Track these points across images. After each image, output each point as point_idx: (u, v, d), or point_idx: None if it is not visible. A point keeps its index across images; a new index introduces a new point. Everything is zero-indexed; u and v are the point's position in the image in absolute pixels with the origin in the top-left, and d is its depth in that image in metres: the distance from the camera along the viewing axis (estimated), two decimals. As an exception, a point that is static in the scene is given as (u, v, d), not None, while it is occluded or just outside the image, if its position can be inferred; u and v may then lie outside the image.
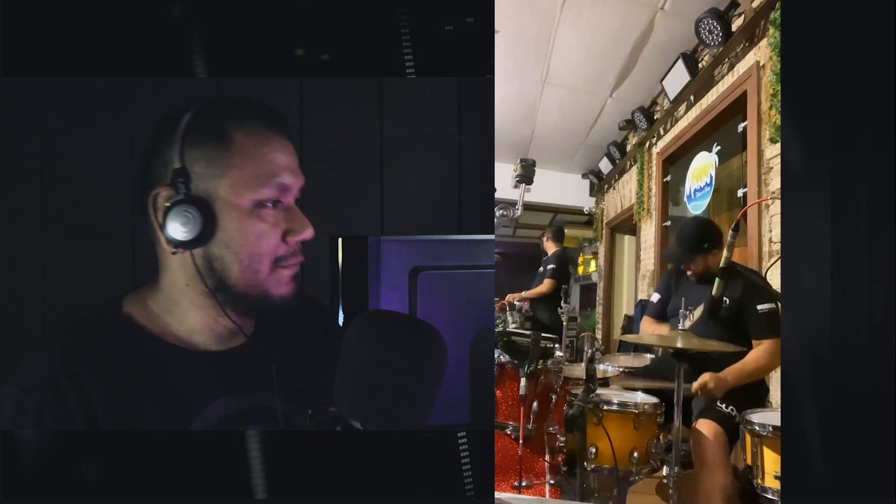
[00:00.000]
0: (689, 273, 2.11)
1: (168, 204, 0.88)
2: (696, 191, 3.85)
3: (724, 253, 1.61)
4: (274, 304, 0.93)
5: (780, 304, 1.80)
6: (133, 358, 0.92)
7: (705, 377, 1.83)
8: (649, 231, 4.66)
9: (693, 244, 2.06)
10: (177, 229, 0.87)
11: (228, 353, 0.99)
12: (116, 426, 0.90)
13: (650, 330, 2.24)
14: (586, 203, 6.88)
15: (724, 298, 1.95)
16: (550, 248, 4.91)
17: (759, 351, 1.90)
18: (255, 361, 0.99)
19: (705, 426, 1.80)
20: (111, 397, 0.89)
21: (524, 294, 4.64)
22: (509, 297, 4.50)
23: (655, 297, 2.31)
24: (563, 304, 3.15)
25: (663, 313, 2.24)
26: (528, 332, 1.94)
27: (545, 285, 4.58)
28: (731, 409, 1.83)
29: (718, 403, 1.85)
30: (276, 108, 0.97)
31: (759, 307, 1.90)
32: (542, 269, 4.90)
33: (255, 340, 1.00)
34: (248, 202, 0.90)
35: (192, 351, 0.96)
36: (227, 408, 0.97)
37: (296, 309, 0.96)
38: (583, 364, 1.75)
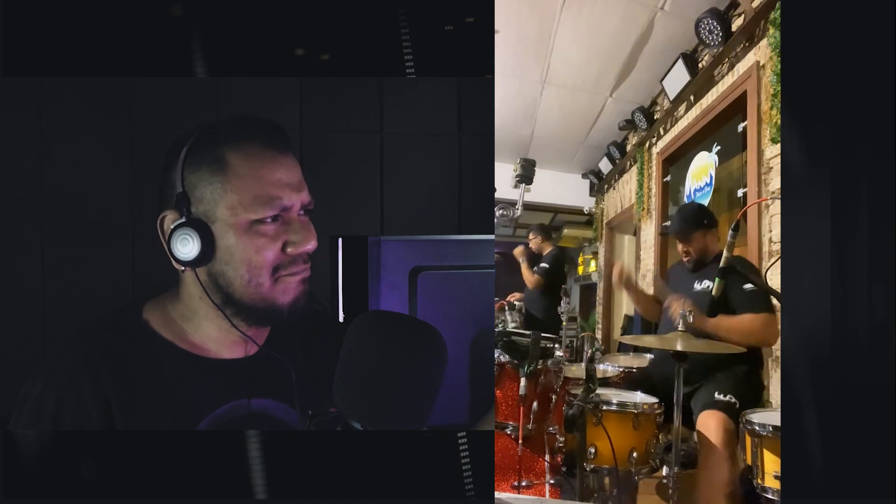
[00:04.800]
0: (685, 258, 2.12)
1: (172, 227, 0.92)
2: (696, 191, 3.85)
3: (725, 253, 1.61)
4: (281, 311, 0.96)
5: (759, 285, 1.79)
6: (146, 362, 0.96)
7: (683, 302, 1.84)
8: (649, 231, 4.66)
9: (696, 219, 2.10)
10: (180, 250, 0.92)
11: (240, 361, 1.02)
12: (128, 427, 0.93)
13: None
14: (586, 203, 6.88)
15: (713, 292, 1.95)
16: (546, 248, 4.86)
17: (750, 317, 1.86)
18: (270, 369, 1.02)
19: (711, 417, 1.78)
20: (125, 399, 0.92)
21: (527, 282, 4.64)
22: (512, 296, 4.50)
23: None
24: (563, 303, 3.14)
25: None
26: (528, 332, 1.94)
27: (531, 282, 4.56)
28: (730, 397, 1.83)
29: (717, 394, 1.84)
30: (275, 123, 0.98)
31: (744, 287, 1.88)
32: (535, 267, 4.86)
33: (267, 349, 1.02)
34: (245, 221, 0.93)
35: (204, 358, 0.99)
36: (235, 412, 0.98)
37: (305, 313, 0.98)
38: (583, 364, 1.75)
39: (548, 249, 4.83)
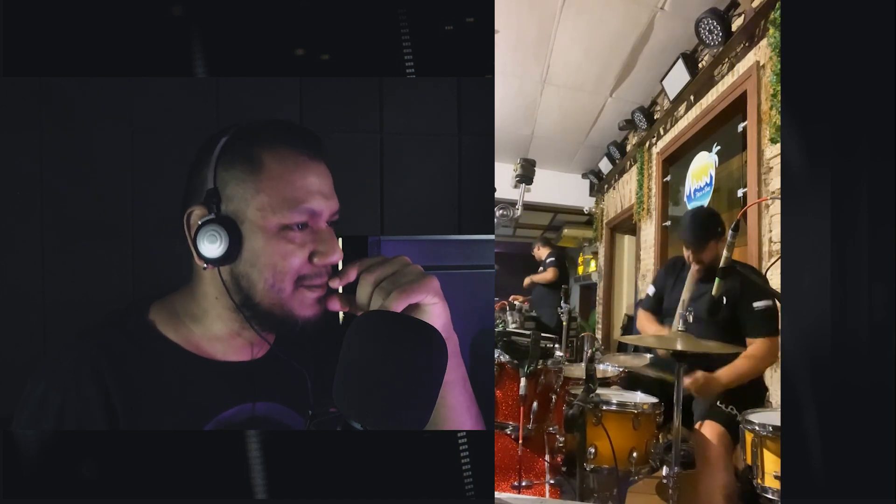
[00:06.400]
0: (695, 267, 2.08)
1: (200, 223, 0.92)
2: (696, 191, 3.85)
3: (724, 253, 1.61)
4: (295, 322, 0.95)
5: (777, 302, 1.81)
6: (150, 364, 0.95)
7: (697, 375, 1.83)
8: (649, 231, 4.66)
9: (709, 228, 2.04)
10: (206, 247, 0.91)
11: (246, 364, 1.01)
12: (131, 429, 0.92)
13: (649, 327, 2.23)
14: (586, 203, 6.88)
15: (724, 298, 1.94)
16: (544, 253, 5.09)
17: (752, 350, 1.89)
18: (274, 373, 1.01)
19: (709, 427, 1.79)
20: (129, 401, 0.92)
21: (532, 278, 4.79)
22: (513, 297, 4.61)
23: (651, 291, 2.30)
24: (562, 303, 3.15)
25: (659, 308, 2.24)
26: (528, 332, 1.94)
27: (550, 272, 4.76)
28: (732, 409, 1.83)
29: (718, 403, 1.85)
30: (313, 132, 0.99)
31: (754, 304, 1.89)
32: (541, 268, 5.03)
33: (281, 353, 1.01)
34: (274, 225, 0.92)
35: (209, 360, 0.99)
36: (240, 415, 0.98)
37: (317, 331, 0.97)
38: (583, 364, 1.75)
39: (547, 252, 5.02)
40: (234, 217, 0.92)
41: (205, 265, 0.93)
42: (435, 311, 0.93)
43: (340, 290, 0.97)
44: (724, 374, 1.86)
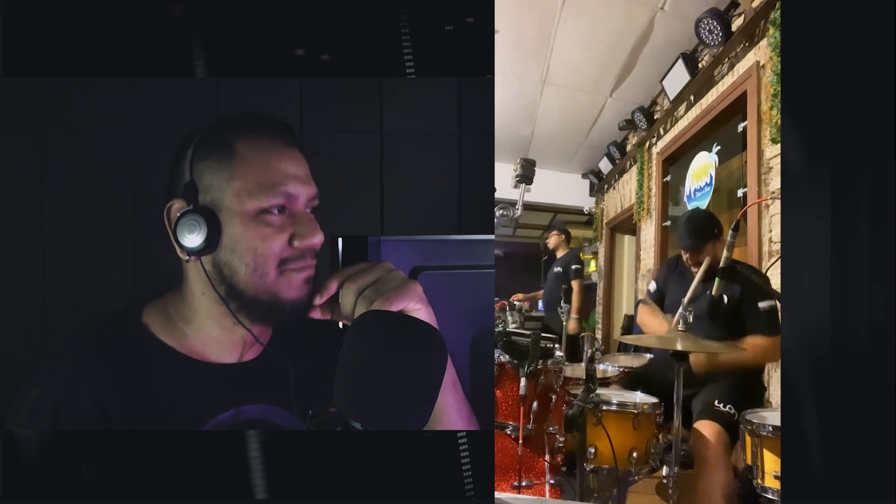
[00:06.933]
0: (694, 269, 2.09)
1: (179, 214, 0.93)
2: (696, 191, 3.85)
3: (724, 253, 1.61)
4: (284, 307, 0.95)
5: (779, 303, 1.81)
6: (145, 367, 0.95)
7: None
8: (649, 231, 4.66)
9: (707, 231, 2.05)
10: (186, 238, 0.92)
11: (242, 365, 1.01)
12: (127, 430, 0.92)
13: (649, 318, 2.23)
14: (586, 203, 6.88)
15: (724, 297, 1.95)
16: (562, 251, 4.92)
17: (754, 345, 1.89)
18: (268, 374, 1.01)
19: (706, 426, 1.79)
20: (123, 405, 0.92)
21: (575, 306, 4.58)
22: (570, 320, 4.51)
23: (652, 287, 2.30)
24: (562, 303, 3.15)
25: (661, 305, 2.24)
26: (527, 332, 1.94)
27: (577, 286, 4.59)
28: (730, 408, 1.83)
29: (716, 402, 1.85)
30: (284, 122, 1.00)
31: (759, 305, 1.90)
32: (559, 268, 4.84)
33: (270, 350, 1.01)
34: (251, 209, 0.93)
35: (204, 363, 0.98)
36: (237, 418, 0.98)
37: (308, 312, 0.96)
38: (583, 364, 1.75)
39: (565, 251, 4.88)
40: (212, 206, 0.93)
41: (187, 258, 0.94)
42: (419, 318, 0.92)
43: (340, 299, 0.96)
44: (725, 355, 1.88)
